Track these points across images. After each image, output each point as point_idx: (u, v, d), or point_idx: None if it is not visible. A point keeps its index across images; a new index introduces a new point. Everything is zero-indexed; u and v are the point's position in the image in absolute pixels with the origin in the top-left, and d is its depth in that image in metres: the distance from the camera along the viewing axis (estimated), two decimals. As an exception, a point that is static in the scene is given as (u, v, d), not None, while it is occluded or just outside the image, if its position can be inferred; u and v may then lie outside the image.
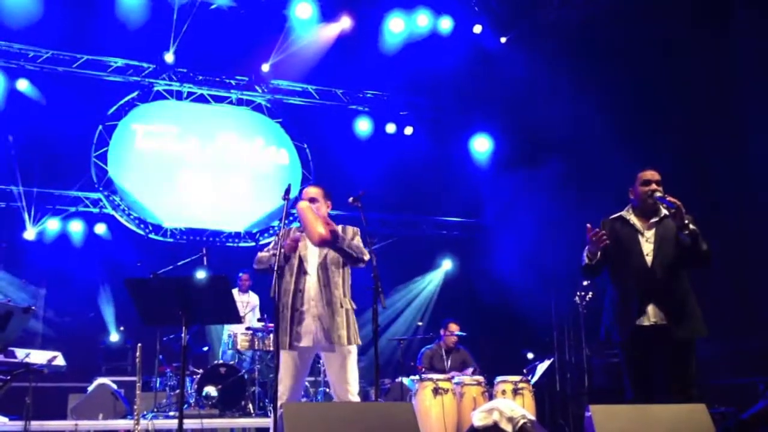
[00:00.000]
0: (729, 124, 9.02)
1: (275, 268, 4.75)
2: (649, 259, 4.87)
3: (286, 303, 4.97)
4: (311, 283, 5.00)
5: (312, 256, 5.08)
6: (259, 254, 5.18)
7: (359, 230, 5.25)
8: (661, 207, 4.93)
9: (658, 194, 4.85)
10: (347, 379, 4.98)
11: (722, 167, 8.73)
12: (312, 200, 5.16)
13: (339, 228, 5.09)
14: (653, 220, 4.97)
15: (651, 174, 4.99)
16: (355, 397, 4.98)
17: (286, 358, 4.98)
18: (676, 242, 4.82)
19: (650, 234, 4.94)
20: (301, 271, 4.96)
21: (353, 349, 5.05)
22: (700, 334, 4.84)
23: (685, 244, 4.75)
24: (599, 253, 4.86)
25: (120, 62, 11.31)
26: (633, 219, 5.01)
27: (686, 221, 4.70)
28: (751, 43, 8.84)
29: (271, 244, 5.25)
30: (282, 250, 4.90)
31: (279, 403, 4.92)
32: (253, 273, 5.56)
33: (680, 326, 4.78)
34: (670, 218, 4.82)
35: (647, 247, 4.91)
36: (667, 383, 4.84)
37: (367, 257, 5.11)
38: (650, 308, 4.80)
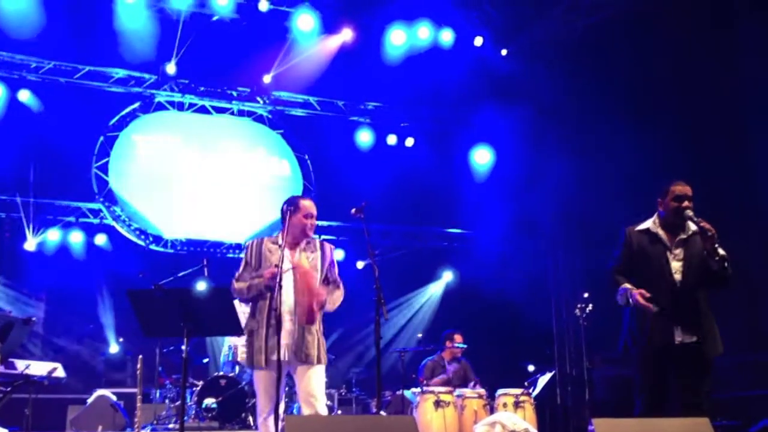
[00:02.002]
0: (733, 137, 9.04)
1: (276, 287, 4.68)
2: (678, 277, 4.85)
3: (261, 321, 4.95)
4: (287, 302, 4.94)
5: (288, 275, 5.01)
6: (236, 285, 5.09)
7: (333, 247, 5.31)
8: (688, 224, 4.89)
9: (690, 212, 4.81)
10: (315, 394, 4.97)
11: (727, 181, 8.75)
12: (310, 216, 5.14)
13: (322, 254, 5.11)
14: (681, 236, 4.93)
15: (683, 189, 4.91)
16: (322, 410, 5.00)
17: (261, 376, 4.97)
18: (702, 263, 4.81)
19: (678, 251, 4.91)
20: (278, 290, 4.85)
21: (322, 367, 5.06)
22: (718, 351, 4.85)
23: (712, 269, 4.75)
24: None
25: (122, 73, 11.32)
26: (660, 233, 4.96)
27: (717, 246, 4.70)
28: (754, 53, 8.86)
29: (241, 267, 5.17)
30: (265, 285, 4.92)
31: (260, 419, 4.95)
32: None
33: (707, 345, 4.80)
34: (702, 242, 4.79)
35: (675, 265, 4.88)
36: (681, 399, 4.82)
37: (339, 303, 5.16)
38: (678, 326, 4.80)
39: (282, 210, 5.13)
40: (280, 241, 5.03)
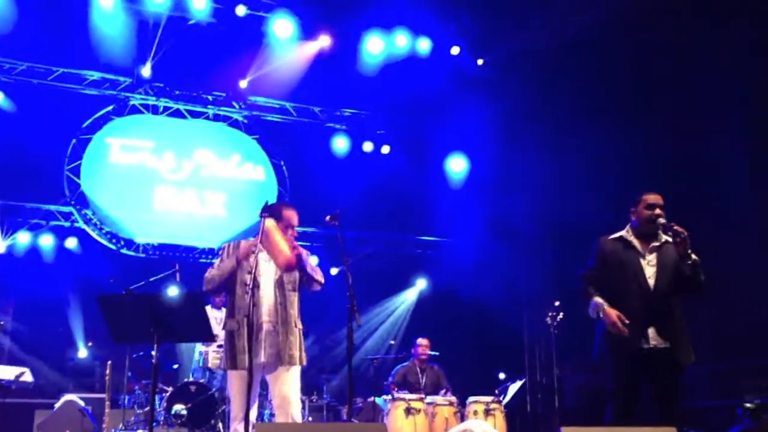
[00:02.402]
0: (700, 146, 9.18)
1: (250, 286, 4.66)
2: (651, 282, 4.91)
3: (241, 320, 4.87)
4: (267, 300, 4.95)
5: (268, 272, 5.03)
6: (207, 274, 5.07)
7: (309, 252, 5.30)
8: (660, 233, 4.97)
9: (662, 220, 4.90)
10: (291, 399, 4.95)
11: (693, 191, 8.85)
12: (291, 227, 5.12)
13: (304, 253, 5.09)
14: (654, 244, 5.01)
15: (655, 198, 5.01)
16: (297, 415, 4.97)
17: (238, 379, 4.90)
18: (675, 268, 4.89)
19: (652, 257, 4.98)
20: (255, 288, 4.79)
21: (299, 369, 5.05)
22: (690, 359, 4.91)
23: (685, 273, 4.81)
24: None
25: (96, 75, 11.24)
26: (634, 241, 5.04)
27: (689, 251, 4.78)
28: (724, 61, 9.02)
29: (216, 263, 5.15)
30: (237, 259, 4.93)
31: (233, 426, 4.90)
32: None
33: (679, 351, 4.85)
34: (675, 246, 4.88)
35: (649, 271, 4.95)
36: (654, 407, 4.87)
37: (323, 280, 5.16)
38: (651, 331, 4.85)
39: (261, 215, 4.97)
40: (257, 244, 4.99)
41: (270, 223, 4.92)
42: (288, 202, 11.88)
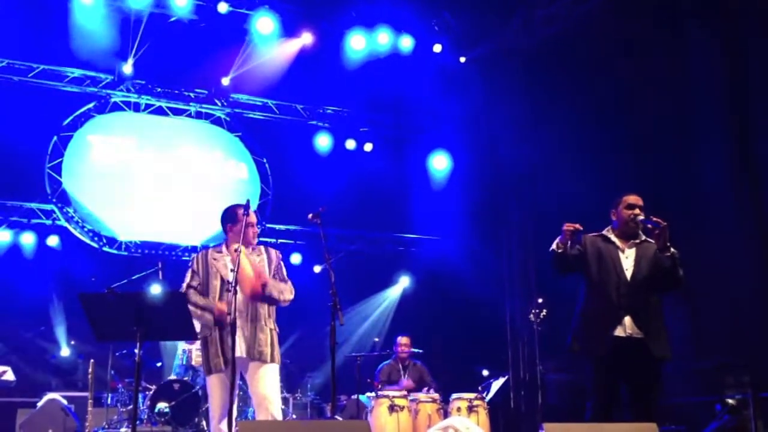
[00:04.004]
0: (680, 146, 9.26)
1: (233, 286, 4.70)
2: (628, 273, 5.03)
3: (212, 327, 5.02)
4: (237, 299, 4.96)
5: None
6: (191, 299, 5.05)
7: (281, 255, 5.37)
8: (640, 232, 5.10)
9: (641, 217, 5.02)
10: (269, 397, 4.99)
11: (673, 191, 8.94)
12: (251, 224, 5.18)
13: (270, 282, 5.10)
14: (634, 241, 5.13)
15: (635, 199, 5.15)
16: (277, 413, 5.00)
17: (215, 381, 5.00)
18: (653, 263, 4.98)
19: (630, 252, 5.10)
20: (224, 289, 4.93)
21: (275, 367, 5.08)
22: (666, 354, 4.97)
23: (663, 266, 4.89)
24: (568, 244, 5.01)
25: (77, 72, 11.14)
26: (614, 238, 5.17)
27: (668, 243, 4.86)
28: (703, 62, 9.11)
29: (187, 277, 5.20)
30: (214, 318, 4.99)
31: (213, 424, 4.95)
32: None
33: (654, 343, 4.92)
34: (654, 238, 5.01)
35: (627, 263, 5.06)
36: (631, 398, 4.95)
37: (290, 297, 5.19)
38: (627, 320, 4.94)
39: (222, 221, 5.28)
40: (224, 250, 5.09)
41: (243, 254, 4.93)
42: (267, 200, 11.90)
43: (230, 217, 5.25)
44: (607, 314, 4.95)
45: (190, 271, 5.22)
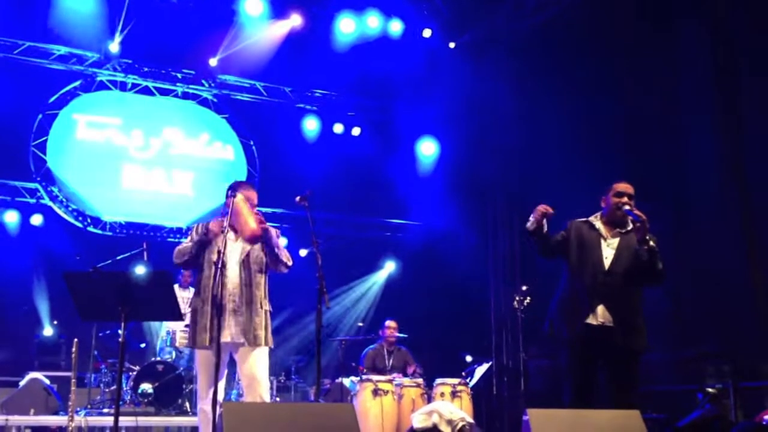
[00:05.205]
0: (669, 131, 9.30)
1: (218, 265, 4.68)
2: (607, 262, 5.01)
3: (206, 298, 4.92)
4: (231, 280, 4.96)
5: (233, 252, 5.04)
6: (178, 247, 5.13)
7: (280, 232, 5.31)
8: (628, 221, 5.06)
9: (627, 207, 5.00)
10: (259, 378, 4.97)
11: (659, 178, 8.97)
12: (252, 205, 5.15)
13: (273, 231, 5.09)
14: (619, 230, 5.11)
15: (625, 187, 5.12)
16: (266, 395, 5.00)
17: (203, 357, 4.96)
18: (634, 254, 4.96)
19: (613, 241, 5.08)
20: (221, 266, 4.79)
21: (267, 350, 5.07)
22: (641, 348, 4.98)
23: (642, 259, 4.89)
24: (544, 225, 5.02)
25: (63, 50, 11.02)
26: (599, 225, 5.15)
27: (648, 237, 4.85)
28: (692, 53, 9.13)
29: (189, 237, 5.19)
30: (207, 233, 4.98)
31: (200, 404, 4.93)
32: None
33: (626, 334, 4.91)
34: (634, 231, 4.97)
35: (608, 252, 5.05)
36: (609, 390, 4.97)
37: (291, 263, 5.15)
38: (600, 308, 4.93)
39: (226, 195, 5.14)
40: (225, 223, 5.00)
41: (240, 198, 4.98)
42: (253, 182, 11.84)
43: (234, 191, 5.13)
44: (582, 301, 4.95)
45: (189, 237, 5.19)
